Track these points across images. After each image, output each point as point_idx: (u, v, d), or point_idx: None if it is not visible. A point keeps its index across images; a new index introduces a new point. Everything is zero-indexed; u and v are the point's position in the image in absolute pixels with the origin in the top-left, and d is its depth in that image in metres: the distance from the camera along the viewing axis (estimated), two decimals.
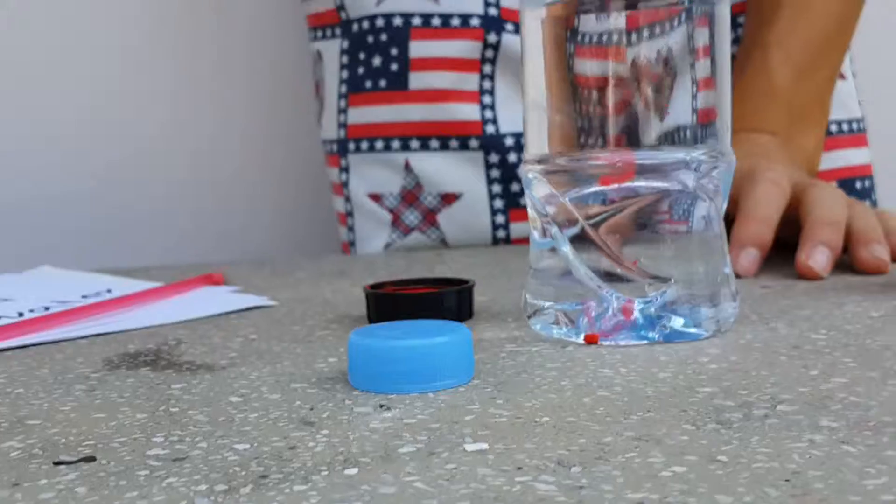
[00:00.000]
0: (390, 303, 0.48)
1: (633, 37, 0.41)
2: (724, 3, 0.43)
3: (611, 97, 0.41)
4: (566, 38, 0.42)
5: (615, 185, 0.42)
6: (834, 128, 0.83)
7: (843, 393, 0.33)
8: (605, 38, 0.41)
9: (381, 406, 0.34)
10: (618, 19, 0.41)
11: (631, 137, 0.41)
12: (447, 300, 0.48)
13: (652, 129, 0.41)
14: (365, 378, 0.36)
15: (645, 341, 0.41)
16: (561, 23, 0.42)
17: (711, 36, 0.42)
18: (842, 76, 0.85)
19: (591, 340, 0.42)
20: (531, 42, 0.44)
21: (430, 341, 0.36)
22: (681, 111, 0.41)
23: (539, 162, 0.43)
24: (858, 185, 0.84)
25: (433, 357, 0.36)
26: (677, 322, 0.42)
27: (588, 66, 0.42)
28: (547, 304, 0.44)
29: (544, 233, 0.44)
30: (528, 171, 0.44)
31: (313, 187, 1.05)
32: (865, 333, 0.42)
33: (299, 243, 1.07)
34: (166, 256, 0.99)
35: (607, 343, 0.41)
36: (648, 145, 0.41)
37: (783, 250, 0.61)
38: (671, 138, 0.41)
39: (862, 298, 0.50)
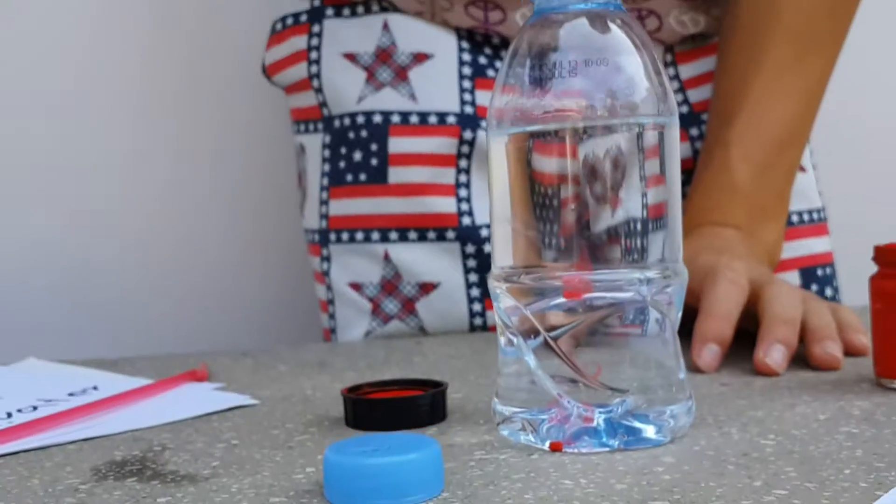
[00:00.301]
0: (366, 407, 0.51)
1: (589, 160, 0.44)
2: (674, 128, 0.46)
3: (571, 217, 0.44)
4: (527, 163, 0.45)
5: (575, 300, 0.45)
6: (795, 218, 0.87)
7: None
8: (561, 164, 0.44)
9: None
10: (573, 148, 0.44)
11: (590, 255, 0.44)
12: (422, 404, 0.51)
13: (610, 249, 0.44)
14: (339, 494, 0.38)
15: (606, 448, 0.44)
16: (523, 149, 0.45)
17: (662, 164, 0.45)
18: (802, 169, 0.88)
19: (555, 448, 0.44)
20: (496, 164, 0.47)
21: (400, 458, 0.38)
22: (636, 234, 0.44)
23: (505, 277, 0.46)
24: (820, 272, 0.88)
25: (403, 473, 0.38)
26: (637, 429, 0.44)
27: (548, 189, 0.45)
28: (513, 411, 0.46)
29: (510, 342, 0.47)
30: (495, 287, 0.47)
31: (296, 274, 1.08)
32: (810, 439, 0.45)
33: (283, 329, 1.10)
34: (150, 342, 1.01)
35: (570, 451, 0.44)
36: (606, 263, 0.44)
37: (744, 340, 0.63)
38: (629, 258, 0.44)
39: (812, 399, 0.52)
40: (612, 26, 0.45)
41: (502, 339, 0.47)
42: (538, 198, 0.45)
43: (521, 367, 0.46)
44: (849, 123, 1.15)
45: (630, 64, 0.44)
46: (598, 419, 0.44)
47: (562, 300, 0.45)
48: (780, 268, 0.83)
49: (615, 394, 0.44)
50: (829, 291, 0.87)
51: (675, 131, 0.46)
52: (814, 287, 0.87)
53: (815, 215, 0.89)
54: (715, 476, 0.40)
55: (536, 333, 0.45)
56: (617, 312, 0.44)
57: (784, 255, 0.84)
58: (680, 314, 0.47)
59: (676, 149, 0.46)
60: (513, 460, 0.43)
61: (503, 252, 0.47)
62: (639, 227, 0.44)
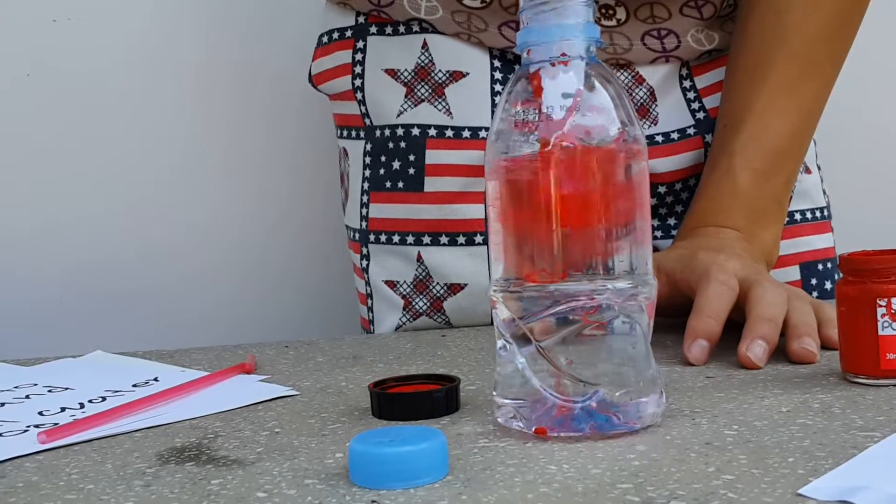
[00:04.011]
0: (389, 400, 0.59)
1: (568, 183, 0.52)
2: (643, 157, 0.53)
3: (551, 234, 0.52)
4: (512, 184, 0.53)
5: (562, 307, 0.52)
6: (798, 216, 0.94)
7: (724, 489, 0.43)
8: (543, 186, 0.52)
9: (373, 502, 0.44)
10: (554, 172, 0.51)
11: (569, 267, 0.52)
12: (437, 398, 0.59)
13: (586, 262, 0.52)
14: (361, 477, 0.47)
15: (581, 433, 0.51)
16: (509, 170, 0.53)
17: (632, 189, 0.52)
18: (807, 170, 0.95)
19: (539, 432, 0.52)
20: (493, 183, 0.54)
21: (411, 448, 0.46)
22: (609, 250, 0.52)
23: (501, 287, 0.54)
24: (820, 266, 0.94)
25: (414, 461, 0.46)
26: (609, 417, 0.52)
27: (531, 207, 0.52)
28: (506, 401, 0.54)
29: (505, 347, 0.54)
30: (493, 297, 0.54)
31: (340, 267, 1.17)
32: (768, 429, 0.52)
33: (327, 317, 1.20)
34: (206, 331, 1.11)
35: (553, 434, 0.52)
36: (582, 274, 0.52)
37: (734, 333, 0.70)
38: (602, 269, 0.52)
39: (781, 392, 0.59)
40: (592, 76, 0.53)
41: (499, 343, 0.55)
42: (522, 215, 0.53)
43: (514, 366, 0.54)
44: (855, 123, 1.21)
45: (603, 101, 0.52)
46: (576, 408, 0.52)
47: (550, 312, 0.52)
48: (781, 263, 0.90)
49: (588, 386, 0.51)
50: (828, 285, 0.94)
51: (643, 160, 0.53)
52: (813, 281, 0.93)
53: (818, 213, 0.95)
54: (677, 462, 0.47)
55: (527, 340, 0.53)
56: (593, 317, 0.52)
57: (786, 251, 0.90)
58: (652, 320, 0.54)
59: (646, 176, 0.54)
60: (510, 448, 0.51)
61: (499, 265, 0.55)
62: (611, 243, 0.52)
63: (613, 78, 0.54)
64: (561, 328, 0.52)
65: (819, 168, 0.98)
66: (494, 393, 0.55)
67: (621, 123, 0.52)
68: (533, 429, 0.52)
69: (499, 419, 0.55)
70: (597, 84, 0.53)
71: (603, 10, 0.89)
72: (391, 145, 0.93)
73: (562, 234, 0.52)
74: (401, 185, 0.92)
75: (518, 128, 0.53)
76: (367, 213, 0.94)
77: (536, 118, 0.52)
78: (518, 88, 0.54)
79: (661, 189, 0.93)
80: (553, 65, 0.53)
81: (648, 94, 0.92)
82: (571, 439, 0.52)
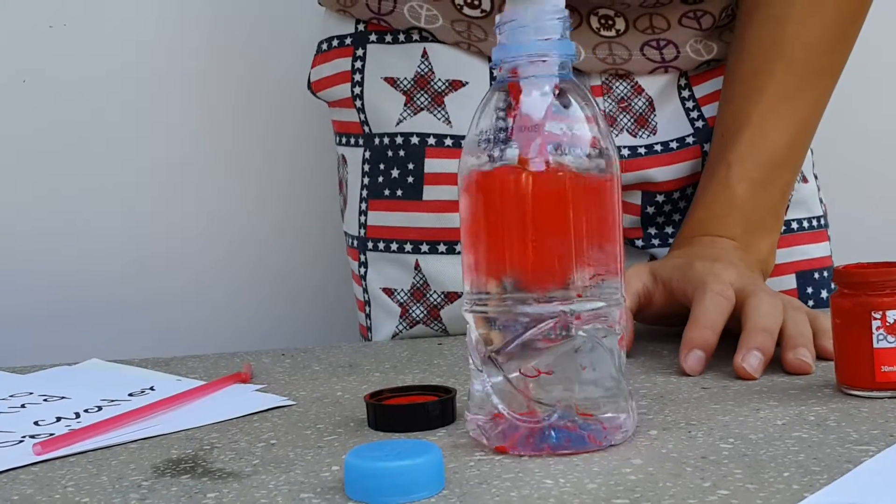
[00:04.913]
0: (385, 412, 0.59)
1: (539, 201, 0.52)
2: (614, 179, 0.53)
3: (519, 251, 0.52)
4: (482, 200, 0.53)
5: (530, 331, 0.52)
6: (795, 225, 0.94)
7: None
8: (513, 202, 0.52)
9: None
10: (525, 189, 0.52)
11: (544, 284, 0.52)
12: (432, 410, 0.59)
13: (552, 280, 0.52)
14: (357, 491, 0.46)
15: (542, 451, 0.51)
16: (479, 186, 0.53)
17: (603, 209, 0.52)
18: (804, 179, 0.95)
19: (500, 450, 0.52)
20: (463, 197, 0.55)
21: (407, 462, 0.46)
22: (575, 267, 0.52)
23: (470, 300, 0.54)
24: (816, 275, 0.94)
25: (410, 475, 0.46)
26: (574, 434, 0.51)
27: (509, 222, 0.52)
28: (473, 415, 0.55)
29: (474, 364, 0.54)
30: (464, 312, 0.54)
31: (338, 273, 1.17)
32: (763, 443, 0.52)
33: (324, 324, 1.20)
34: (204, 337, 1.11)
35: (514, 453, 0.52)
36: (550, 292, 0.51)
37: (730, 342, 0.70)
38: (568, 287, 0.52)
39: (777, 404, 0.59)
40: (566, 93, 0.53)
41: (470, 360, 0.55)
42: (492, 230, 0.53)
43: (480, 383, 0.54)
44: (852, 132, 1.21)
45: (576, 118, 0.53)
46: (540, 426, 0.52)
47: (517, 341, 0.52)
48: (777, 272, 0.90)
49: (549, 407, 0.52)
50: (824, 294, 0.94)
51: (615, 177, 0.53)
52: (809, 290, 0.93)
53: (814, 222, 0.95)
54: (672, 477, 0.47)
55: (494, 363, 0.53)
56: (557, 336, 0.52)
57: (782, 259, 0.90)
58: (621, 336, 0.54)
59: (617, 193, 0.54)
60: (506, 461, 0.51)
61: (469, 279, 0.55)
62: (580, 260, 0.51)
63: (587, 94, 0.54)
64: (526, 348, 0.52)
65: (816, 177, 0.98)
66: (469, 404, 0.56)
67: (593, 140, 0.53)
68: (494, 446, 0.53)
69: (469, 430, 0.55)
70: (570, 100, 0.53)
71: (602, 21, 0.89)
72: (390, 153, 0.93)
73: (529, 251, 0.52)
74: (399, 193, 0.92)
75: (490, 143, 0.53)
76: (366, 220, 0.94)
77: (508, 134, 0.53)
78: (491, 104, 0.54)
79: (659, 198, 0.93)
80: (526, 81, 0.53)
81: (647, 104, 0.92)
82: (567, 453, 0.52)
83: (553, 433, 0.52)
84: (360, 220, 0.95)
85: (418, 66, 0.92)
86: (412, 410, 0.59)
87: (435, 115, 0.91)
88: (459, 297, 0.91)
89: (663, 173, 0.92)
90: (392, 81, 0.93)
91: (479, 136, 0.54)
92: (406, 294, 0.92)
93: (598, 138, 0.53)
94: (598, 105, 0.55)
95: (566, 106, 0.53)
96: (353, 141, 0.97)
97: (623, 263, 0.54)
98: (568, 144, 0.52)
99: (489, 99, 0.54)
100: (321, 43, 0.98)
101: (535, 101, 0.53)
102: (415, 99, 0.92)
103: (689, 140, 0.92)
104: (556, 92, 0.53)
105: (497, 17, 0.54)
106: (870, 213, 1.25)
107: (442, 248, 0.91)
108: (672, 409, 0.60)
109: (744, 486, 0.45)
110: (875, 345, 0.59)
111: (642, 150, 0.91)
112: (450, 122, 0.91)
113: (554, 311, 0.51)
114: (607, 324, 0.53)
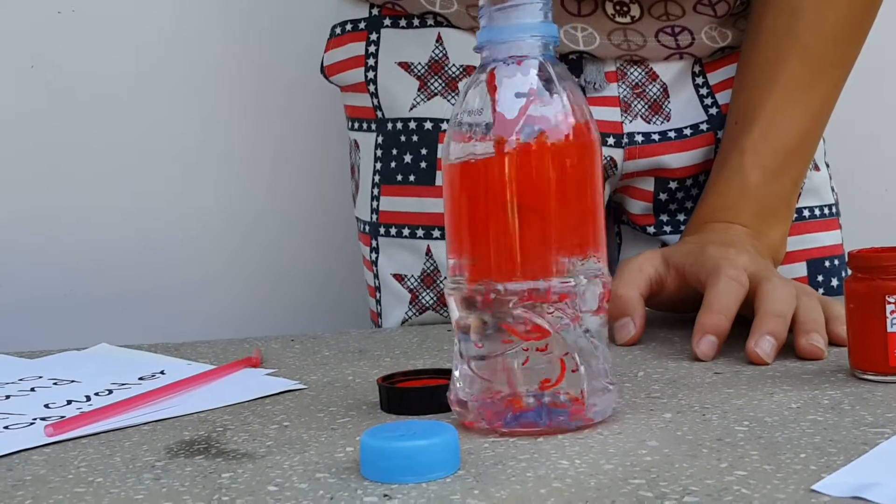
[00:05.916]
0: (398, 395, 0.59)
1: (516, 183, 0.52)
2: (596, 163, 0.53)
3: (496, 233, 0.52)
4: (460, 184, 0.53)
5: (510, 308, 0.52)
6: (807, 213, 0.93)
7: (737, 485, 0.43)
8: (489, 186, 0.52)
9: (385, 496, 0.44)
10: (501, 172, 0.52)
11: (526, 264, 0.52)
12: (445, 392, 0.58)
13: (529, 261, 0.52)
14: (373, 471, 0.46)
15: (534, 428, 0.52)
16: (456, 170, 0.53)
17: (582, 187, 0.53)
18: (816, 167, 0.95)
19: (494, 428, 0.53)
20: (446, 180, 0.55)
21: (423, 442, 0.46)
22: (553, 248, 0.52)
23: (448, 282, 0.54)
24: (827, 263, 0.94)
25: (425, 455, 0.46)
26: (559, 412, 0.52)
27: (490, 204, 0.52)
28: (462, 396, 0.54)
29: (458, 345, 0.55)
30: (447, 293, 0.55)
31: (349, 259, 1.17)
32: (779, 425, 0.52)
33: (335, 310, 1.20)
34: (215, 323, 1.11)
35: (504, 430, 0.52)
36: (529, 273, 0.52)
37: (743, 328, 0.70)
38: (555, 267, 0.52)
39: (790, 388, 0.59)
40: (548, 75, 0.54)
41: (455, 344, 0.55)
42: (474, 211, 0.53)
43: (463, 364, 0.54)
44: (864, 120, 1.21)
45: (558, 99, 0.53)
46: (526, 402, 0.52)
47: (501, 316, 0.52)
48: (788, 259, 0.90)
49: (527, 387, 0.52)
50: (835, 282, 0.94)
51: (597, 159, 0.54)
52: (819, 277, 0.93)
53: (826, 210, 0.95)
54: (689, 458, 0.47)
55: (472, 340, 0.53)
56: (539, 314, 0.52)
57: (793, 247, 0.90)
58: (605, 318, 0.54)
59: (598, 174, 0.54)
60: (521, 443, 0.51)
61: (448, 259, 0.55)
62: (562, 240, 0.52)
63: (569, 76, 0.54)
64: (503, 328, 0.52)
65: (828, 165, 0.98)
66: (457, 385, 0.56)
67: (575, 122, 0.53)
68: (484, 427, 0.53)
69: (455, 413, 0.55)
70: (553, 82, 0.53)
71: (617, 7, 0.89)
72: (403, 138, 0.92)
73: (511, 231, 0.52)
74: (412, 178, 0.92)
75: (472, 127, 0.53)
76: (378, 206, 0.94)
77: (490, 117, 0.53)
78: (474, 87, 0.54)
79: (672, 185, 0.93)
80: (508, 64, 0.53)
81: (662, 90, 0.92)
82: (582, 433, 0.52)
83: (537, 412, 0.52)
84: (372, 205, 0.95)
85: (433, 51, 0.92)
86: (426, 393, 0.59)
87: (449, 101, 0.91)
88: None
89: (676, 160, 0.91)
90: (406, 66, 0.92)
91: (460, 119, 0.54)
92: (416, 280, 0.92)
93: (580, 118, 0.53)
94: (576, 81, 0.55)
95: (548, 87, 0.53)
96: (365, 126, 0.96)
97: (604, 240, 0.54)
98: (548, 124, 0.52)
99: (471, 83, 0.55)
100: (335, 27, 0.98)
101: (517, 82, 0.53)
102: (429, 84, 0.91)
103: (703, 127, 0.92)
104: (538, 74, 0.53)
105: (480, 2, 0.55)
106: (880, 202, 1.25)
107: None
108: (685, 394, 0.59)
109: (761, 466, 0.45)
110: (889, 329, 0.59)
111: (656, 137, 0.91)
112: None
113: (531, 289, 0.51)
114: (587, 300, 0.52)
